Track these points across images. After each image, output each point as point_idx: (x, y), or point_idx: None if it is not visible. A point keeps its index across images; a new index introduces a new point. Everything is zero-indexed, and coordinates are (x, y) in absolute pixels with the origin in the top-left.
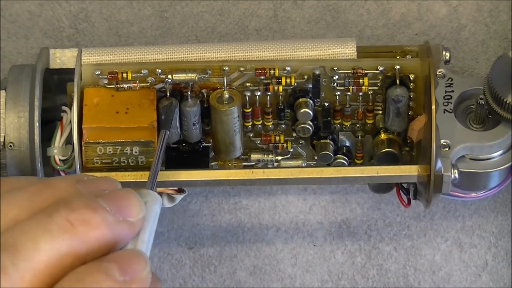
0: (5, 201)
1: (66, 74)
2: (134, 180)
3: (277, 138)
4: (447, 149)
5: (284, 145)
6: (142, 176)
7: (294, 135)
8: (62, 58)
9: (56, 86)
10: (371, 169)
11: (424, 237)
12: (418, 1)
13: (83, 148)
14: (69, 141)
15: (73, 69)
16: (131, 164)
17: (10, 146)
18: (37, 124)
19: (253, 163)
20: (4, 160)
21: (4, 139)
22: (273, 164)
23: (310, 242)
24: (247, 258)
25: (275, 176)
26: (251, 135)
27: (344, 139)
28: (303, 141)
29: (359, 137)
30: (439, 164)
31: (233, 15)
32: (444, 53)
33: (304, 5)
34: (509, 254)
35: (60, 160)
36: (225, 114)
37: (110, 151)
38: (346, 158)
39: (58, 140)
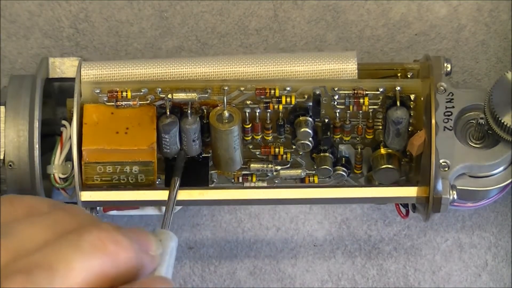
0: (31, 224)
1: (66, 83)
2: (134, 199)
3: (277, 150)
4: (446, 169)
5: (284, 156)
6: (142, 195)
7: (293, 147)
8: (61, 67)
9: (56, 94)
10: (371, 190)
11: (424, 237)
12: (418, 1)
13: (82, 167)
14: (68, 157)
15: (73, 78)
16: (130, 181)
17: (10, 165)
18: (37, 146)
19: (252, 172)
20: (4, 176)
21: (4, 158)
22: (273, 173)
23: (310, 242)
24: (247, 258)
25: (275, 197)
26: (251, 146)
27: (343, 149)
28: (302, 153)
29: (359, 149)
30: (438, 186)
31: (233, 15)
32: (445, 65)
33: (304, 5)
34: (509, 254)
35: (60, 178)
36: (225, 133)
37: (110, 170)
38: (345, 169)
39: (58, 157)
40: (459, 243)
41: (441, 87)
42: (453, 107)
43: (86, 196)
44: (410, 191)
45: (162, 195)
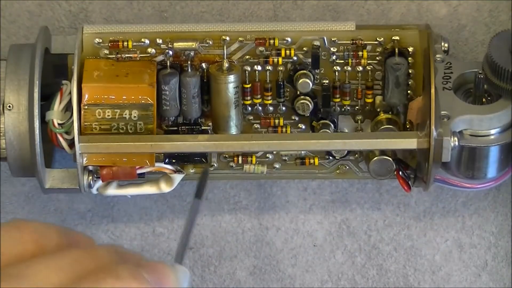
0: (46, 266)
1: (66, 59)
2: (133, 146)
3: (277, 121)
4: (446, 119)
5: (283, 129)
6: (141, 140)
7: (293, 118)
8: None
9: (56, 69)
10: (370, 135)
11: (424, 237)
12: (418, 1)
13: (82, 111)
14: (68, 109)
15: (73, 54)
16: (129, 130)
17: (9, 107)
18: (37, 90)
19: (253, 152)
20: (2, 126)
21: (3, 101)
22: (273, 153)
23: (310, 242)
24: (247, 258)
25: (272, 140)
26: (251, 118)
27: (343, 125)
28: (303, 126)
29: (359, 122)
30: (438, 129)
31: (233, 15)
32: (443, 43)
33: (304, 5)
34: (509, 254)
35: (58, 124)
36: (224, 81)
37: (109, 115)
38: None
39: (57, 105)
40: (459, 243)
41: (439, 58)
42: (451, 72)
43: (84, 140)
44: (410, 136)
45: (160, 142)
